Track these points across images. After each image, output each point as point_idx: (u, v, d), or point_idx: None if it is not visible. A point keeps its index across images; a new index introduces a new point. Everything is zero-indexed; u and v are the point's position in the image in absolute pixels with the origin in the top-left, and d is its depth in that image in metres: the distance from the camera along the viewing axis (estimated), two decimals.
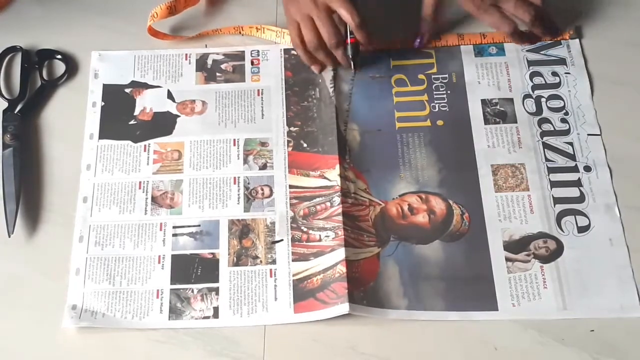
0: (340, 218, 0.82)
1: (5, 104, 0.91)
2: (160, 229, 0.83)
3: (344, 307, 0.76)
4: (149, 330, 0.77)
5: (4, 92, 0.92)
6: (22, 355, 0.77)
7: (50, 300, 0.79)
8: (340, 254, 0.80)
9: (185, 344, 0.76)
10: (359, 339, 0.76)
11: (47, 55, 0.95)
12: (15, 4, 0.99)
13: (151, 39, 0.95)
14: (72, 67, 0.94)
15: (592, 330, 0.76)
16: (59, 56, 0.94)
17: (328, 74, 0.92)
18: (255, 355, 0.76)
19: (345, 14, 0.83)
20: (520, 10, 0.86)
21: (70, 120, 0.90)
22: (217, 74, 0.93)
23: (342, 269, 0.79)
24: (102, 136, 0.89)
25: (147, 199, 0.85)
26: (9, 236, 0.82)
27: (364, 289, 0.79)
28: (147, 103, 0.91)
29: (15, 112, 0.90)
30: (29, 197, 0.85)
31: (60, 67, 0.94)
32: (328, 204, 0.84)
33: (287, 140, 0.88)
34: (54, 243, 0.82)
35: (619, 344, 0.75)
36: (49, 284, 0.80)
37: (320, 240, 0.82)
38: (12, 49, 0.95)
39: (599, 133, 0.86)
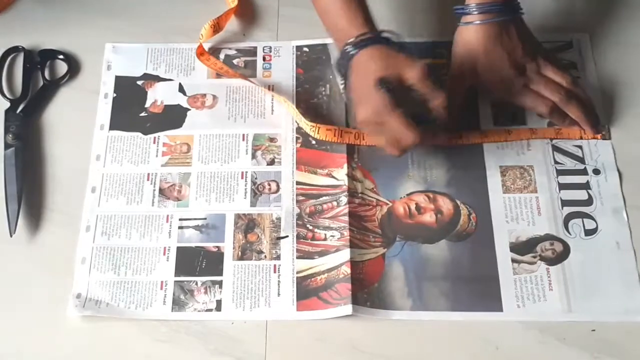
0: (346, 218, 0.82)
1: (7, 104, 0.91)
2: (167, 221, 0.83)
3: (347, 309, 0.76)
4: (152, 328, 0.77)
5: (6, 92, 0.92)
6: (25, 347, 0.77)
7: (53, 299, 0.79)
8: (345, 254, 0.80)
9: (187, 343, 0.76)
10: (361, 338, 0.76)
11: (49, 55, 0.95)
12: (18, 4, 1.00)
13: (151, 40, 0.95)
14: (74, 67, 0.94)
15: (594, 330, 0.75)
16: (61, 56, 0.95)
17: None
18: (257, 354, 0.75)
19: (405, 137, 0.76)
20: (549, 90, 0.84)
21: (73, 120, 0.90)
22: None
23: (346, 270, 0.79)
24: (112, 127, 0.89)
25: (154, 190, 0.85)
26: (11, 236, 0.82)
27: (368, 291, 0.78)
28: (159, 96, 0.91)
29: (18, 112, 0.90)
30: (31, 197, 0.85)
31: (62, 67, 0.94)
32: (335, 203, 0.83)
33: (296, 137, 0.88)
34: (56, 242, 0.82)
35: (619, 344, 0.74)
36: (52, 283, 0.80)
37: (325, 239, 0.82)
38: (15, 49, 0.95)
39: (608, 137, 0.86)
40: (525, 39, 0.84)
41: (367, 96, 0.77)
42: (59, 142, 0.89)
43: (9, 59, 0.95)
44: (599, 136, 0.86)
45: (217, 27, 0.94)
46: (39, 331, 0.77)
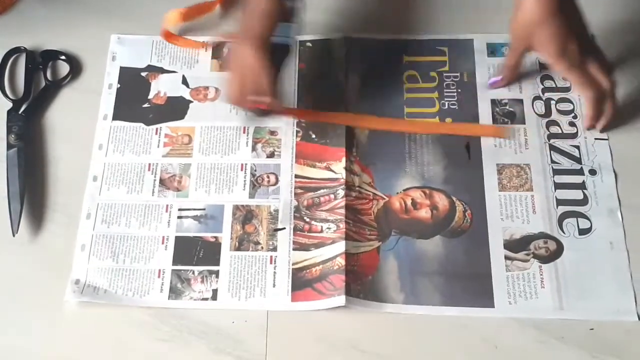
0: (342, 211, 0.83)
1: (9, 105, 0.92)
2: (166, 211, 0.84)
3: (340, 299, 0.77)
4: (153, 327, 0.78)
5: (8, 92, 0.93)
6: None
7: (55, 298, 0.79)
8: (341, 246, 0.80)
9: (188, 341, 0.77)
10: (360, 337, 0.77)
11: (51, 56, 0.95)
12: (19, 5, 1.00)
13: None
14: (76, 67, 0.95)
15: (592, 329, 0.75)
16: (63, 57, 0.95)
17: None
18: (258, 353, 0.76)
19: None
20: (600, 75, 0.82)
21: (75, 121, 0.91)
22: None
23: (341, 261, 0.80)
24: (115, 117, 0.90)
25: (155, 180, 0.86)
26: (14, 235, 0.83)
27: (361, 283, 0.79)
28: (162, 87, 0.92)
29: (20, 112, 0.91)
30: (33, 197, 0.86)
31: (64, 68, 0.95)
32: (332, 196, 0.84)
33: (296, 131, 0.89)
34: (58, 242, 0.83)
35: (619, 343, 0.75)
36: (53, 282, 0.80)
37: (321, 231, 0.82)
38: (17, 50, 0.96)
39: (606, 138, 0.86)
40: (582, 16, 0.82)
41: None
42: (61, 142, 0.90)
43: (11, 59, 0.96)
44: (590, 126, 0.86)
45: (186, 16, 0.95)
46: (38, 323, 0.79)
